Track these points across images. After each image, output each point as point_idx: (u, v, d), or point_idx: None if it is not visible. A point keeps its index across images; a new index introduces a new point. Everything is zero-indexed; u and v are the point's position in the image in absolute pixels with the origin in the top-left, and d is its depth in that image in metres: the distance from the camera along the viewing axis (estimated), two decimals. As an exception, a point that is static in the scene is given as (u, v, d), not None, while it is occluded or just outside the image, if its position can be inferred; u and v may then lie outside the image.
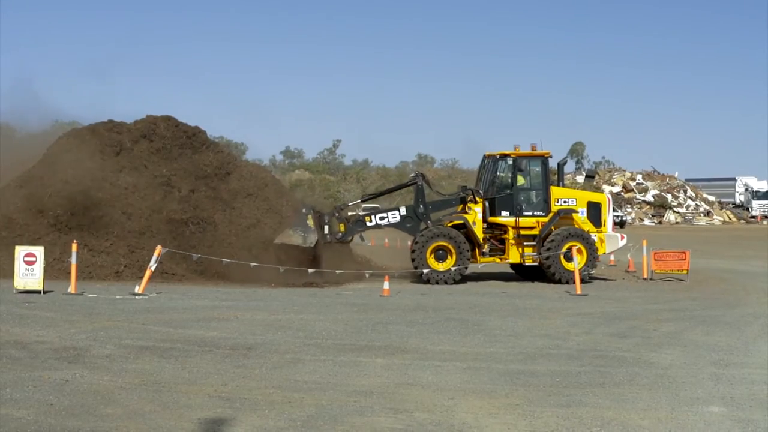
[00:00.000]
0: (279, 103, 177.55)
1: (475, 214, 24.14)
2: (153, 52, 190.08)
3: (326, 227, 23.98)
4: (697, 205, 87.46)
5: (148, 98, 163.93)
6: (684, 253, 24.98)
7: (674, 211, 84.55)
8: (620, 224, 69.88)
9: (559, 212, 23.92)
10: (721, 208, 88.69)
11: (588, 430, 8.08)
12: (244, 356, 11.46)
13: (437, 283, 23.08)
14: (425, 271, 23.23)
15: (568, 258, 23.10)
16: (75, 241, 20.15)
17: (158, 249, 19.97)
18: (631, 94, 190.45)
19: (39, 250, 19.08)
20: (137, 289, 18.85)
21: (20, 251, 19.02)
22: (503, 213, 24.03)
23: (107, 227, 24.86)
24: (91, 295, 18.39)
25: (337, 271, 22.82)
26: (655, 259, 24.89)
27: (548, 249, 23.37)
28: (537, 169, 24.43)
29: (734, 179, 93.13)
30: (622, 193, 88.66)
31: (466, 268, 23.72)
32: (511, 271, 26.29)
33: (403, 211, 24.61)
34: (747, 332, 14.65)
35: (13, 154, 31.12)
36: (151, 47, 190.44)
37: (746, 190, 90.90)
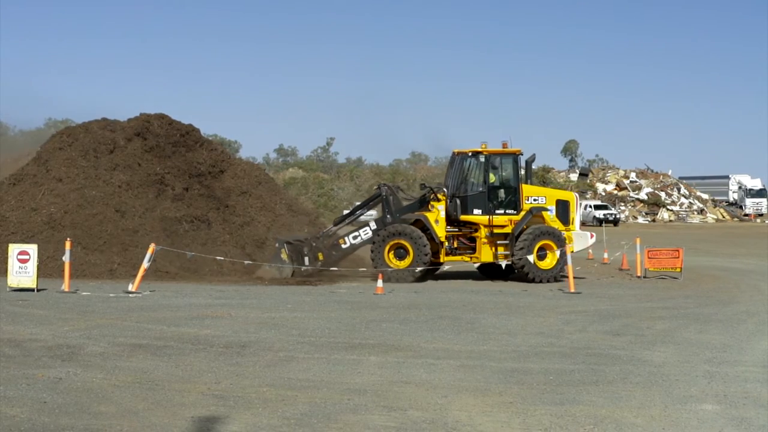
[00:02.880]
0: (273, 101, 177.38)
1: (438, 212, 23.98)
2: (147, 49, 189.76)
3: (306, 259, 23.82)
4: (690, 203, 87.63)
5: (141, 96, 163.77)
6: (677, 251, 24.98)
7: (668, 209, 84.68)
8: (614, 222, 70.06)
9: (531, 210, 23.74)
10: (715, 206, 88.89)
11: (581, 428, 8.09)
12: (238, 354, 11.46)
13: (397, 281, 22.96)
14: (388, 270, 23.13)
15: (542, 256, 23.19)
16: (68, 239, 20.11)
17: (152, 247, 19.96)
18: (624, 92, 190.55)
19: (32, 248, 19.05)
20: (131, 287, 18.83)
21: (14, 249, 18.99)
22: (475, 211, 23.79)
23: (101, 225, 24.85)
24: (84, 293, 18.37)
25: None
26: (648, 257, 24.89)
27: (521, 248, 23.22)
28: (509, 166, 24.28)
29: (728, 177, 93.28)
30: (616, 191, 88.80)
31: (429, 266, 23.55)
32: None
33: (373, 225, 24.37)
34: (740, 330, 14.68)
35: (6, 151, 31.08)
36: (145, 45, 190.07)
37: (740, 188, 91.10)
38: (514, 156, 24.20)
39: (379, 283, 20.09)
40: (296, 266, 23.48)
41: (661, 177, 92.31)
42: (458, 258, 24.25)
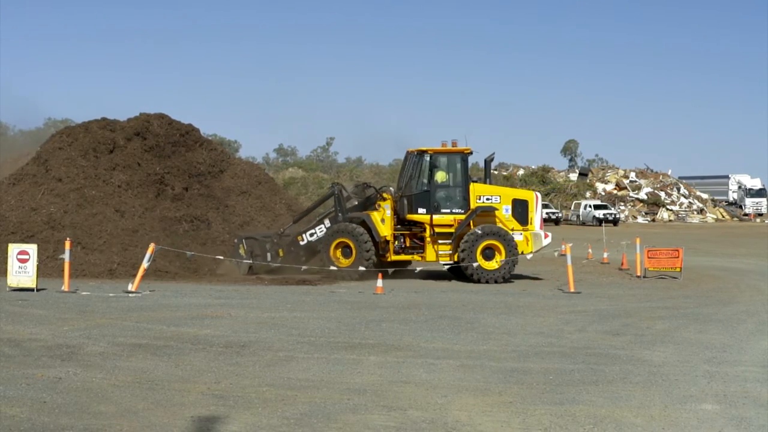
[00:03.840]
0: (273, 101, 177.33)
1: (384, 211, 24.17)
2: (147, 49, 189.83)
3: (269, 255, 24.58)
4: (690, 202, 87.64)
5: (141, 96, 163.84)
6: (677, 250, 24.99)
7: (667, 209, 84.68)
8: (614, 222, 70.07)
9: (476, 210, 23.58)
10: (714, 206, 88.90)
11: (581, 427, 8.09)
12: (238, 354, 11.46)
13: (343, 279, 23.29)
14: (332, 268, 23.50)
15: (488, 257, 23.13)
16: (68, 238, 20.10)
17: (151, 247, 19.95)
18: (624, 91, 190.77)
19: (32, 248, 19.03)
20: (130, 287, 18.81)
21: (13, 249, 18.98)
22: (419, 210, 23.73)
23: (100, 225, 24.85)
24: (84, 293, 18.36)
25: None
26: (648, 257, 24.89)
27: (462, 249, 23.18)
28: (456, 165, 24.11)
29: (727, 177, 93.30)
30: (616, 191, 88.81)
31: (376, 265, 23.58)
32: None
33: (327, 223, 24.70)
34: (740, 330, 14.68)
35: (6, 151, 31.10)
36: (145, 45, 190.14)
37: (739, 187, 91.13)
38: (462, 155, 23.98)
39: (379, 282, 20.10)
40: (255, 262, 24.13)
41: (661, 177, 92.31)
42: (408, 257, 24.35)
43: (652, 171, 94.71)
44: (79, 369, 10.30)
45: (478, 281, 22.95)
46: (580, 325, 14.80)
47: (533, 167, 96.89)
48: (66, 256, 19.02)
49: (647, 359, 11.62)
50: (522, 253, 23.68)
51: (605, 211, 71.84)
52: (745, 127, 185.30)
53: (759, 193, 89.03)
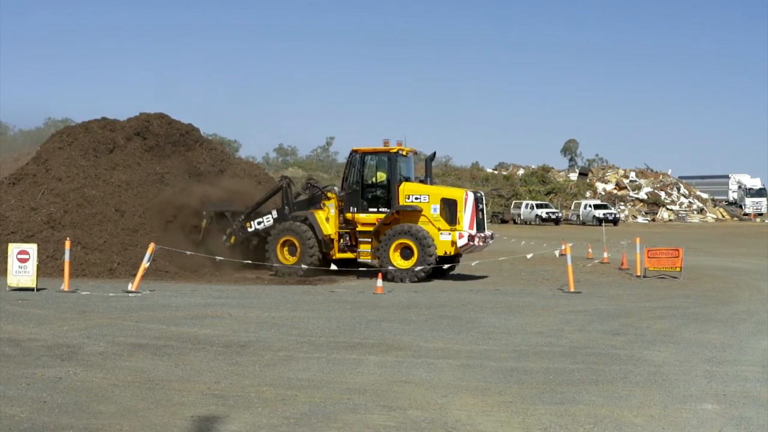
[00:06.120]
0: (273, 101, 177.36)
1: (329, 210, 24.61)
2: (147, 48, 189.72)
3: (224, 236, 26.00)
4: (690, 202, 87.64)
5: (141, 96, 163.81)
6: (677, 250, 24.98)
7: (667, 209, 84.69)
8: (614, 222, 70.08)
9: (396, 210, 23.74)
10: (715, 206, 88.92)
11: (581, 427, 8.08)
12: (238, 354, 11.45)
13: (284, 276, 23.97)
14: (275, 265, 24.30)
15: (406, 256, 23.25)
16: (68, 238, 20.10)
17: (151, 246, 19.95)
18: (624, 91, 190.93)
19: (32, 248, 19.04)
20: (130, 287, 18.82)
21: (13, 249, 18.98)
22: (352, 209, 24.20)
23: (100, 225, 24.86)
24: (84, 293, 18.37)
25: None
26: (648, 257, 24.88)
27: (378, 249, 23.47)
28: (384, 165, 24.28)
29: (727, 176, 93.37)
30: (616, 191, 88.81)
31: (320, 263, 24.09)
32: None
33: (275, 214, 25.47)
34: (740, 329, 14.68)
35: (5, 151, 31.10)
36: (145, 45, 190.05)
37: (739, 187, 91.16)
38: (389, 155, 24.12)
39: (379, 282, 20.11)
40: (202, 237, 25.94)
41: (661, 176, 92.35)
42: (353, 255, 24.66)
43: (652, 171, 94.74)
44: (79, 369, 10.30)
45: (392, 279, 23.06)
46: (580, 325, 14.80)
47: (533, 167, 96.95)
48: (66, 255, 19.02)
49: (647, 359, 11.62)
50: (446, 253, 23.64)
51: (605, 211, 71.87)
52: (745, 127, 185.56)
53: (759, 192, 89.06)
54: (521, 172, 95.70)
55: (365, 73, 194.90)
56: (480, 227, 24.30)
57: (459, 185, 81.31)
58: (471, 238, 23.56)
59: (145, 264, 19.56)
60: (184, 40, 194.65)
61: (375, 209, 24.02)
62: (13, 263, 18.75)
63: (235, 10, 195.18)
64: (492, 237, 25.61)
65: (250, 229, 25.81)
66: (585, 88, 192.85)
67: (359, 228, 24.16)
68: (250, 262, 24.26)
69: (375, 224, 23.85)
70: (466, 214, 23.73)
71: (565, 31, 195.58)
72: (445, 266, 24.23)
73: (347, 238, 24.46)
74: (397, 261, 23.28)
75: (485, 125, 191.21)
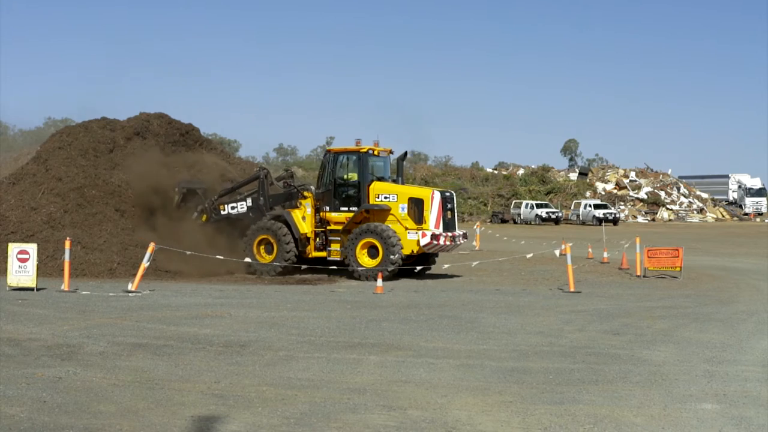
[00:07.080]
0: (273, 100, 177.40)
1: (305, 208, 24.80)
2: (147, 48, 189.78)
3: (195, 213, 26.35)
4: (690, 202, 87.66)
5: (141, 96, 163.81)
6: (677, 250, 24.96)
7: (667, 209, 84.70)
8: (614, 221, 70.09)
9: (363, 208, 23.89)
10: (714, 206, 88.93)
11: (581, 427, 8.08)
12: (238, 353, 11.45)
13: (262, 274, 24.27)
14: (248, 260, 24.32)
15: (373, 255, 23.39)
16: (68, 238, 20.09)
17: (151, 246, 19.95)
18: (624, 91, 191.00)
19: (32, 248, 19.03)
20: (130, 287, 18.82)
21: (13, 248, 18.97)
22: (325, 208, 24.42)
23: (100, 225, 24.86)
24: (84, 293, 18.37)
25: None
26: (648, 257, 24.87)
27: (345, 248, 23.68)
28: (354, 164, 24.39)
29: (727, 176, 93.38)
30: (616, 191, 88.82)
31: (294, 259, 24.30)
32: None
33: (249, 202, 25.66)
34: (740, 329, 14.68)
35: (5, 151, 31.09)
36: (145, 44, 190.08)
37: (739, 187, 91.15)
38: (359, 154, 24.23)
39: (379, 282, 20.12)
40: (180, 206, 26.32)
41: (661, 176, 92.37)
42: (324, 254, 24.68)
43: (652, 170, 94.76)
44: (79, 368, 10.30)
45: (359, 278, 23.27)
46: (580, 325, 14.79)
47: (533, 167, 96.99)
48: (66, 255, 19.02)
49: (647, 359, 11.62)
50: (413, 252, 23.64)
51: (605, 211, 71.86)
52: (745, 127, 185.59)
53: (759, 192, 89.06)
54: (521, 171, 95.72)
55: (365, 72, 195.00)
56: (449, 227, 24.29)
57: (459, 185, 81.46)
58: (435, 237, 23.47)
59: (145, 264, 19.57)
60: (185, 41, 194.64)
61: (346, 208, 24.19)
62: (13, 263, 18.74)
63: (235, 11, 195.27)
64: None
65: (223, 212, 25.94)
66: (585, 88, 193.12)
67: (331, 227, 24.39)
68: (249, 261, 24.27)
69: (345, 223, 24.05)
70: (432, 214, 23.76)
71: (565, 31, 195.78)
72: (417, 268, 23.95)
73: (323, 237, 24.65)
74: (364, 260, 23.49)
75: (485, 125, 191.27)
